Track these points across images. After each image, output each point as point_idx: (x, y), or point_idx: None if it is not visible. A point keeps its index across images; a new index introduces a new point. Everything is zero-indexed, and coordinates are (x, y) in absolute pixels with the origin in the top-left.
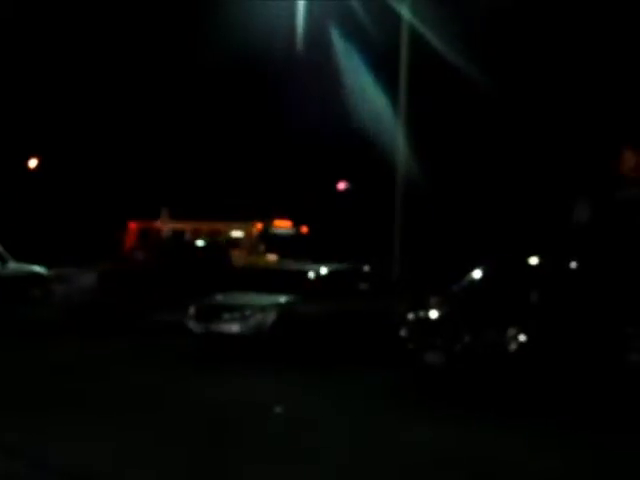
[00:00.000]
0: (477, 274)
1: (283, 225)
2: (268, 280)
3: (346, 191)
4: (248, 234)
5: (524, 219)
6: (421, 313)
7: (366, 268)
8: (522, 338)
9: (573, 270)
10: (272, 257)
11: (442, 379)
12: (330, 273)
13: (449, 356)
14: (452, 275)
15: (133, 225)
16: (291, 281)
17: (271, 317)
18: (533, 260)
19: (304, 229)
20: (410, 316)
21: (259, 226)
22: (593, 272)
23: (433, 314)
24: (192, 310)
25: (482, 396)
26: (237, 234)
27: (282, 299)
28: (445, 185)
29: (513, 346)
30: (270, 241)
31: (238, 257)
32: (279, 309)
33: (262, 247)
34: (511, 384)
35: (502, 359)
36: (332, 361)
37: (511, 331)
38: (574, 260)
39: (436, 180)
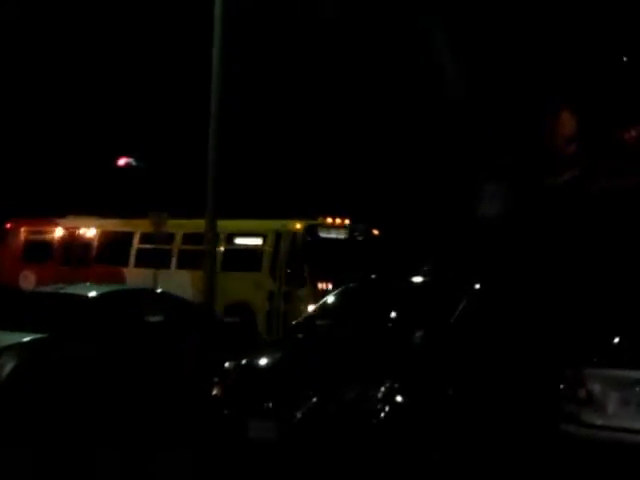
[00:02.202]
0: (331, 301)
1: (336, 225)
2: (7, 309)
3: (128, 167)
4: (278, 241)
5: (408, 211)
6: (244, 360)
7: (159, 291)
8: (399, 399)
9: (477, 295)
10: (322, 286)
11: (273, 460)
12: (102, 298)
13: (284, 427)
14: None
15: (13, 226)
16: (43, 311)
17: (8, 366)
18: (416, 279)
19: (374, 232)
20: (227, 365)
21: (298, 226)
22: (507, 297)
23: (262, 362)
24: None
25: None
26: (252, 242)
27: (26, 338)
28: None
29: (368, 411)
30: (317, 255)
31: (255, 287)
32: (21, 354)
33: (305, 269)
34: (379, 468)
35: (367, 431)
36: (101, 429)
37: (382, 389)
38: (478, 279)
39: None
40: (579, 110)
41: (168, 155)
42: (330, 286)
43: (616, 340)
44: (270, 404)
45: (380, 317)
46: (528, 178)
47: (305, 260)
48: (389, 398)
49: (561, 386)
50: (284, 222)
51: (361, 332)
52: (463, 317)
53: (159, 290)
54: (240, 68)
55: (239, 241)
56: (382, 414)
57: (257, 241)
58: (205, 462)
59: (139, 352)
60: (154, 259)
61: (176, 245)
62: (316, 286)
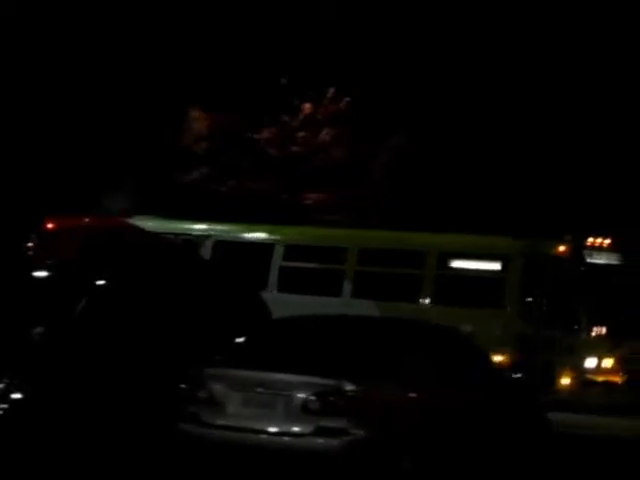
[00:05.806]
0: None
1: (605, 246)
2: None
3: None
4: (529, 267)
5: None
6: None
7: None
8: (16, 396)
9: (102, 291)
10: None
11: None
12: None
13: None
14: None
15: (53, 225)
16: None
17: None
18: (39, 274)
19: None
20: None
21: (561, 248)
22: (133, 294)
23: None
24: None
25: None
26: (483, 266)
27: None
28: None
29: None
30: (590, 288)
31: (493, 329)
32: None
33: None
34: None
35: None
36: None
37: None
38: (103, 275)
39: None
40: (211, 109)
41: None
42: (604, 331)
43: (237, 341)
44: None
45: None
46: (157, 174)
47: (574, 295)
48: (6, 395)
49: (183, 386)
50: (535, 241)
51: None
52: (86, 313)
53: None
54: None
55: (460, 264)
56: None
57: (492, 265)
58: None
59: None
60: (306, 283)
61: (350, 265)
62: (590, 330)
